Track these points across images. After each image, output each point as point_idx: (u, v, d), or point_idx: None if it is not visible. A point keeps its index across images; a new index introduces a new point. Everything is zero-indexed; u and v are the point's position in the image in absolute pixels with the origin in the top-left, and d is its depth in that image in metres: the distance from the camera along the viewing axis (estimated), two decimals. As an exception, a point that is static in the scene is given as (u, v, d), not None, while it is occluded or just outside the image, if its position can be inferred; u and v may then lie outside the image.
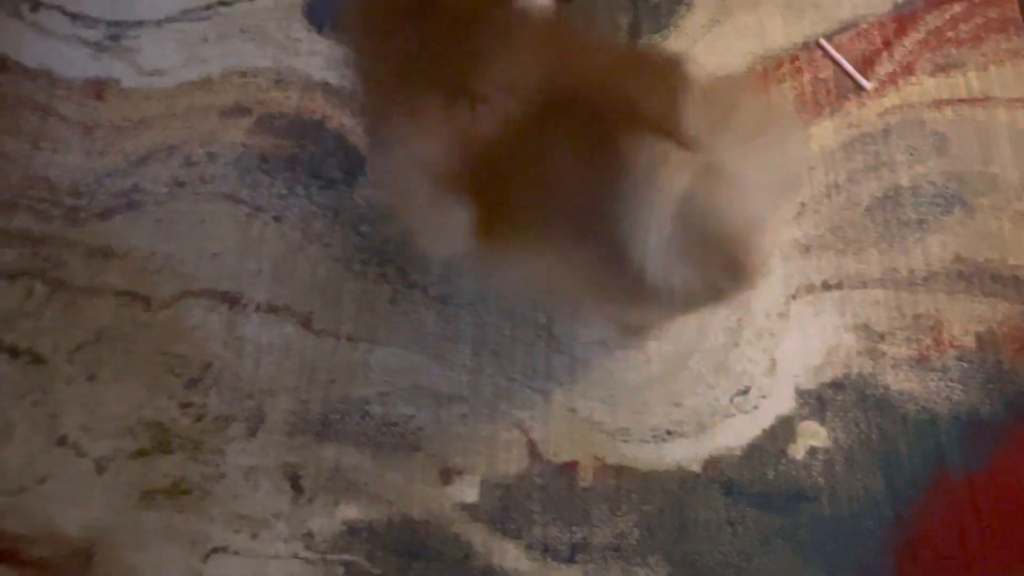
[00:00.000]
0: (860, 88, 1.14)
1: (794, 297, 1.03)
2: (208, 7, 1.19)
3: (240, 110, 1.12)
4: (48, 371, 0.97)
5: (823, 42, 1.18)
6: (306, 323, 1.00)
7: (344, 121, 1.11)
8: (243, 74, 1.14)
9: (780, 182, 0.62)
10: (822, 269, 1.04)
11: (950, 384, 0.99)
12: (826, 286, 1.03)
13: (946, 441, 0.96)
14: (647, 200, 0.57)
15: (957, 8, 1.20)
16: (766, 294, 1.03)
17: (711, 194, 0.57)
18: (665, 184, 0.56)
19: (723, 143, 0.58)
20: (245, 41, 1.17)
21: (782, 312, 1.02)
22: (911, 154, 1.11)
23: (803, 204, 1.08)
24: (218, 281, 1.02)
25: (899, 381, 0.99)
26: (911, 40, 1.18)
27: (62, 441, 0.94)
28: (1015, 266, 1.05)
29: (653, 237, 0.57)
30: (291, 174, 1.08)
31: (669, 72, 0.65)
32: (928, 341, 1.01)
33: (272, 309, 1.00)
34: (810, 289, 1.03)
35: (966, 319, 1.02)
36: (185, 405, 0.96)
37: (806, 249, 1.05)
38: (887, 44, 1.18)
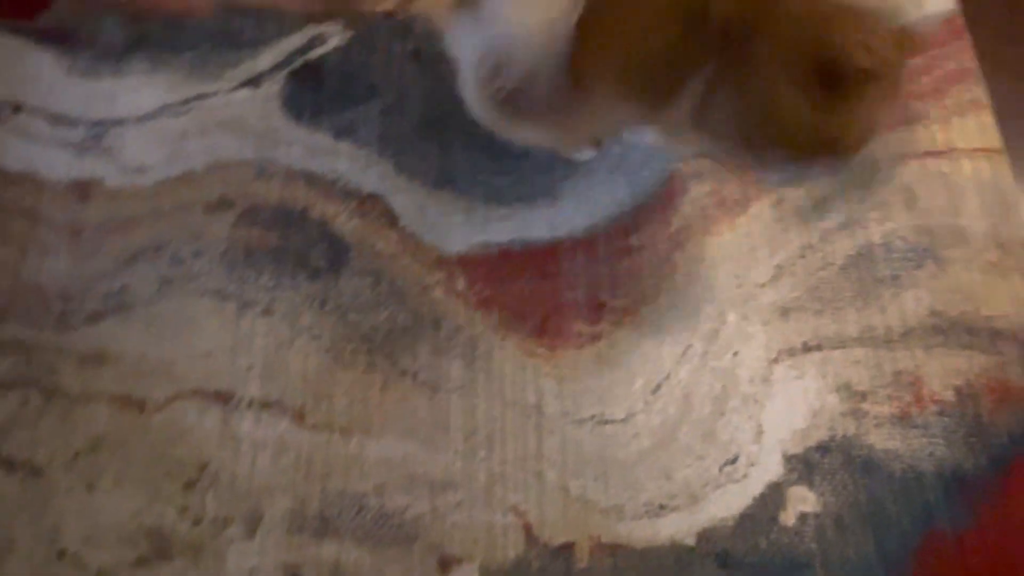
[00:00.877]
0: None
1: (776, 361, 1.05)
2: (186, 101, 1.21)
3: (224, 204, 1.14)
4: (46, 483, 0.98)
5: (789, 103, 1.21)
6: (299, 418, 1.01)
7: (327, 210, 1.14)
8: (225, 167, 1.17)
9: None
10: (801, 331, 1.07)
11: (933, 440, 1.01)
12: (806, 348, 1.06)
13: (933, 499, 0.98)
14: None
15: (916, 61, 1.24)
16: (749, 359, 1.05)
17: None
18: None
19: None
20: (225, 134, 1.19)
21: (765, 377, 1.04)
22: (881, 210, 1.14)
23: (779, 267, 1.10)
24: (210, 380, 1.03)
25: (883, 440, 1.01)
26: (874, 96, 1.22)
27: (62, 554, 0.95)
28: (988, 316, 1.07)
29: None
30: (277, 266, 1.10)
31: None
32: (909, 398, 1.03)
33: (265, 405, 1.02)
34: (791, 352, 1.05)
35: (944, 373, 1.04)
36: (183, 509, 0.97)
37: (785, 312, 1.08)
38: (851, 101, 1.21)
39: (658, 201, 1.14)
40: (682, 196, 1.15)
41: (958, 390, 1.03)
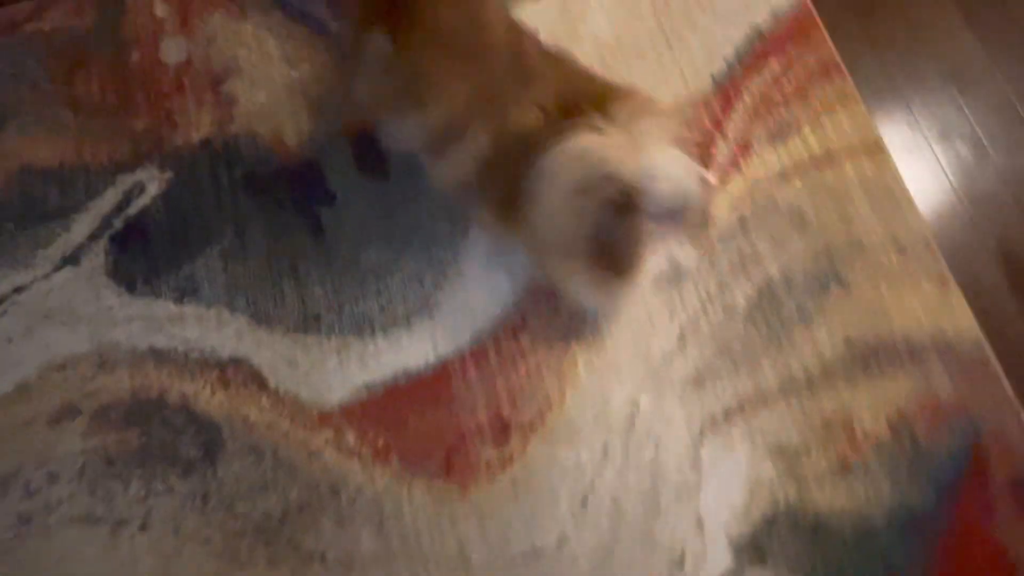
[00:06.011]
0: (704, 184, 1.09)
1: (701, 437, 0.98)
2: (1, 300, 1.07)
3: (69, 412, 1.01)
4: None
5: (655, 143, 1.12)
6: (206, 642, 0.91)
7: (185, 389, 1.01)
8: (62, 367, 1.03)
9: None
10: (720, 396, 1.00)
11: (877, 482, 0.96)
12: (728, 415, 0.99)
13: (889, 547, 0.93)
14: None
15: (774, 64, 1.16)
16: (672, 444, 0.98)
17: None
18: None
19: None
20: (53, 327, 1.05)
21: (693, 460, 0.97)
22: (773, 240, 1.07)
23: (682, 330, 1.03)
24: (97, 624, 0.92)
25: (827, 498, 0.95)
26: (739, 113, 1.14)
27: None
28: (904, 331, 1.02)
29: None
30: (144, 470, 0.98)
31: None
32: (843, 443, 0.97)
33: (164, 638, 0.91)
34: (714, 424, 0.98)
35: (874, 406, 0.99)
36: None
37: (699, 380, 1.00)
38: (717, 125, 1.13)
39: (541, 286, 1.05)
40: (565, 276, 1.06)
41: (890, 421, 0.98)
